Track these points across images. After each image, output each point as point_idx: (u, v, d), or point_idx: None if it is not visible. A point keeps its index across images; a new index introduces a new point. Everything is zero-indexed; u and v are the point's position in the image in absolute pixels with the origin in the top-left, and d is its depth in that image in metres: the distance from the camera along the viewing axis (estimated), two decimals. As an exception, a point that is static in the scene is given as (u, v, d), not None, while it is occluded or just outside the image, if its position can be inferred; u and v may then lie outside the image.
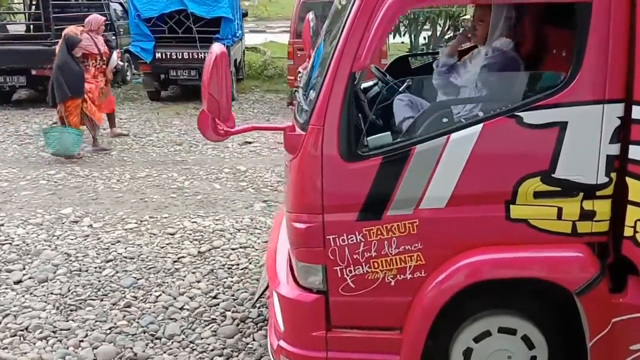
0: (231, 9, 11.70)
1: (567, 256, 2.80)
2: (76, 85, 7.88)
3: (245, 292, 4.52)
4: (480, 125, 2.68)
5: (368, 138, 2.80)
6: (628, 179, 2.66)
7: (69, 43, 7.94)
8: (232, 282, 4.71)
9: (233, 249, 5.31)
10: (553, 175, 2.71)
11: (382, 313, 2.99)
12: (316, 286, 2.98)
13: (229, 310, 4.28)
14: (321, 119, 2.72)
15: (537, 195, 2.75)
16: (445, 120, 2.80)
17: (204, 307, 4.33)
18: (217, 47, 2.60)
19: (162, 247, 5.36)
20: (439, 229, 2.83)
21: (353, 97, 2.75)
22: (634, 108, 2.58)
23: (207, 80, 2.54)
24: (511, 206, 2.78)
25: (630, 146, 2.63)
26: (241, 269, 4.93)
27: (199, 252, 5.25)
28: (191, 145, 9.05)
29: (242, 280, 4.73)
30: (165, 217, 6.07)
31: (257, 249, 5.28)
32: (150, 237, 5.59)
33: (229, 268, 4.96)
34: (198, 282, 4.72)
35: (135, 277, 4.78)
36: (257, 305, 4.28)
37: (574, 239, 2.79)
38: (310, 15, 4.50)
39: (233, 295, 4.49)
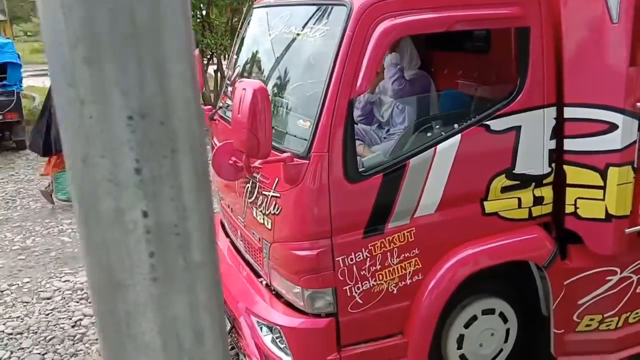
0: (17, 54, 10.69)
1: (532, 237, 3.30)
2: None
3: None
4: (459, 135, 3.04)
5: (363, 159, 2.95)
6: (565, 167, 3.26)
7: None
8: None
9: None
10: (514, 171, 3.19)
11: (386, 321, 3.15)
12: (325, 310, 3.03)
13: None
14: (325, 145, 2.80)
15: (503, 190, 3.20)
16: (429, 134, 3.09)
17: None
18: (251, 82, 2.52)
19: (48, 314, 4.72)
20: (431, 233, 3.11)
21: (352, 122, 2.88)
22: (565, 109, 3.19)
23: (248, 117, 2.45)
24: (485, 202, 3.19)
25: (565, 140, 3.23)
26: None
27: (96, 310, 4.73)
28: (6, 200, 7.92)
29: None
30: (27, 282, 5.31)
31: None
32: (25, 306, 4.86)
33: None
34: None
35: (39, 353, 4.15)
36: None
37: (530, 222, 3.31)
38: (197, 52, 4.44)
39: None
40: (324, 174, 2.83)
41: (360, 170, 2.92)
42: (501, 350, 3.45)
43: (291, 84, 3.20)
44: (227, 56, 14.63)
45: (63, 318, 4.62)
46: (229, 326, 3.58)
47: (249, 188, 3.28)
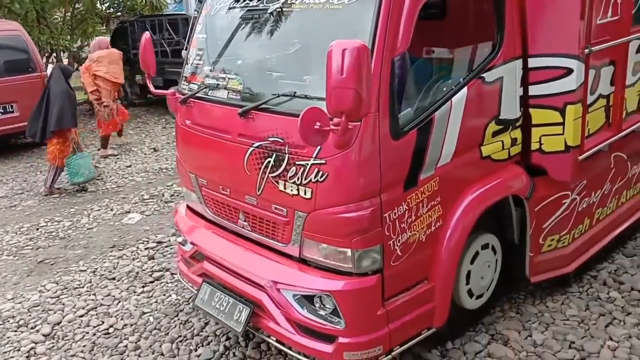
0: None
1: (516, 174, 3.76)
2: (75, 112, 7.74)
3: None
4: (465, 88, 3.35)
5: (400, 115, 3.10)
6: (531, 110, 3.77)
7: (67, 73, 7.80)
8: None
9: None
10: (500, 117, 3.61)
11: (416, 270, 3.37)
12: (371, 267, 3.15)
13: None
14: (375, 106, 2.90)
15: (494, 134, 3.60)
16: (444, 88, 3.33)
17: None
18: (351, 42, 2.50)
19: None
20: (448, 181, 3.39)
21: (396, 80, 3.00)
22: (529, 60, 3.68)
23: (355, 76, 2.44)
24: (482, 147, 3.57)
25: (529, 86, 3.73)
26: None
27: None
28: None
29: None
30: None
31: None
32: None
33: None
34: None
35: None
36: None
37: (509, 161, 3.77)
38: (147, 35, 4.15)
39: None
40: (375, 134, 2.94)
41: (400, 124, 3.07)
42: (492, 279, 3.89)
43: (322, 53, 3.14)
44: (66, 52, 13.46)
45: (10, 351, 4.01)
46: (247, 312, 3.49)
47: (272, 162, 3.22)
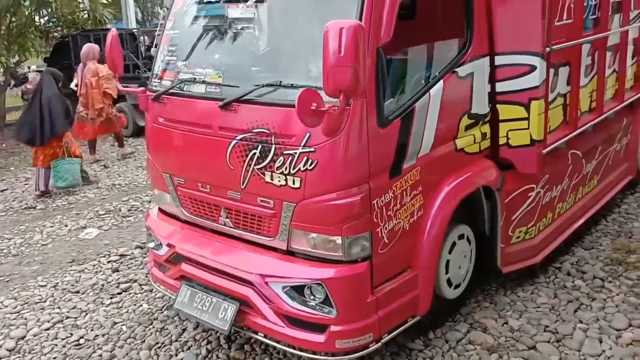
0: None
1: (487, 166, 3.92)
2: (70, 116, 7.89)
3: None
4: (442, 81, 3.49)
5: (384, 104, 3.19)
6: (498, 106, 3.96)
7: (57, 77, 7.90)
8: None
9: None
10: (471, 111, 3.77)
11: (400, 258, 3.45)
12: (361, 255, 3.20)
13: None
14: (364, 92, 2.98)
15: (466, 128, 3.75)
16: (422, 81, 3.45)
17: None
18: (346, 21, 2.55)
19: None
20: (428, 171, 3.49)
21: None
22: (496, 58, 3.88)
23: (352, 54, 2.50)
24: (456, 140, 3.70)
25: (497, 83, 3.92)
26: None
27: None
28: None
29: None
30: None
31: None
32: None
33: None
34: None
35: None
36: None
37: (480, 154, 3.92)
38: (114, 32, 4.10)
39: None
40: (363, 121, 3.01)
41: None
42: (468, 270, 4.01)
43: (311, 42, 3.16)
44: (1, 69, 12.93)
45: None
46: (233, 309, 3.45)
47: (257, 154, 3.23)
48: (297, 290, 3.27)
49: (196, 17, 3.79)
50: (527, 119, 3.93)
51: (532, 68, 3.84)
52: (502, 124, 3.99)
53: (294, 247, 3.30)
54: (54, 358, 3.89)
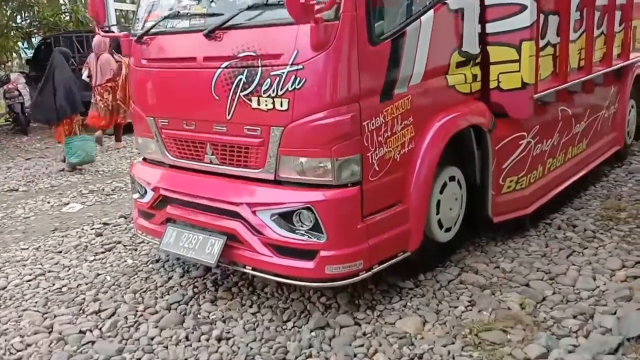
0: None
1: (479, 107, 3.89)
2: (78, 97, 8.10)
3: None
4: (432, 10, 3.46)
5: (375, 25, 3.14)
6: (489, 47, 3.94)
7: (67, 56, 8.24)
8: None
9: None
10: (462, 49, 3.75)
11: (391, 190, 3.38)
12: (351, 179, 3.13)
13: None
14: (353, 5, 2.94)
15: (457, 65, 3.73)
16: (413, 8, 3.41)
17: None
18: None
19: None
20: (419, 102, 3.45)
21: None
22: (486, -4, 3.87)
23: None
24: (447, 76, 3.67)
25: (487, 24, 3.90)
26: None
27: None
28: None
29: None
30: None
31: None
32: None
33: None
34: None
35: None
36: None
37: (471, 96, 3.90)
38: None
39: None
40: (353, 35, 2.97)
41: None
42: (459, 214, 3.95)
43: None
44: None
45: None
46: (220, 243, 3.36)
47: (243, 79, 3.18)
48: (285, 218, 3.20)
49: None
50: (518, 61, 3.91)
51: (523, 7, 3.84)
52: (493, 66, 3.97)
53: (282, 176, 3.24)
54: (36, 302, 3.76)
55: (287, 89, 3.04)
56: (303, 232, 3.16)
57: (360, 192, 3.15)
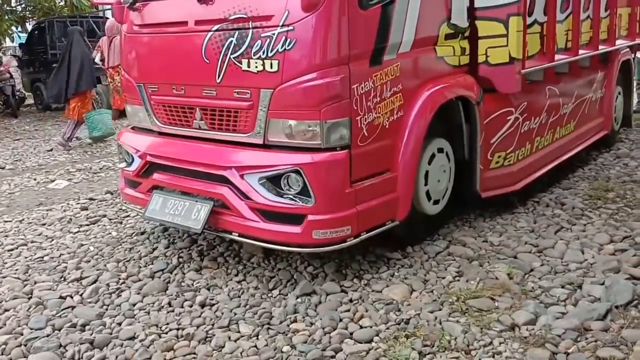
0: None
1: (467, 79, 3.87)
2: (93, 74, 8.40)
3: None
4: (421, -23, 3.45)
5: None
6: (477, 22, 3.93)
7: (83, 36, 8.36)
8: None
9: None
10: (451, 21, 3.73)
11: (379, 157, 3.36)
12: (340, 143, 3.11)
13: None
14: None
15: (446, 37, 3.71)
16: None
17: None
18: None
19: None
20: (408, 70, 3.44)
21: None
22: (474, -30, 3.86)
23: None
24: (436, 47, 3.66)
25: (475, -1, 3.90)
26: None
27: None
28: None
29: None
30: None
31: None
32: None
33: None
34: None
35: None
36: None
37: (459, 69, 3.88)
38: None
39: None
40: None
41: None
42: (447, 187, 3.94)
43: None
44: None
45: None
46: (207, 209, 3.33)
47: (234, 41, 3.15)
48: (273, 182, 3.17)
49: None
50: (506, 35, 3.90)
51: (511, -18, 3.83)
52: (481, 40, 3.95)
53: (271, 140, 3.21)
54: (16, 270, 3.71)
55: (278, 50, 3.02)
56: (291, 196, 3.13)
57: (349, 156, 3.12)
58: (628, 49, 6.41)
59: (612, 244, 3.74)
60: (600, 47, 5.52)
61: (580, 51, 5.08)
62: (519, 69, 4.01)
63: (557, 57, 4.64)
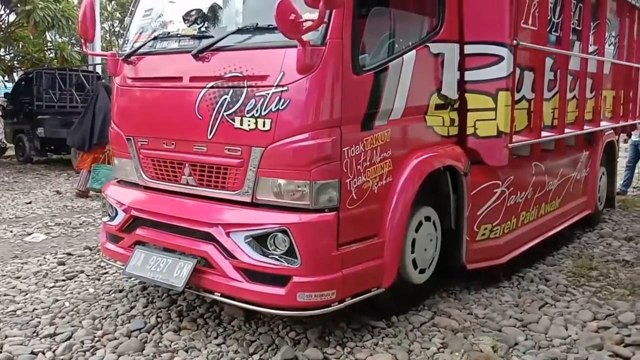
0: None
1: (456, 150, 3.93)
2: None
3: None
4: (415, 50, 3.55)
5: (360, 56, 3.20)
6: (466, 94, 4.04)
7: (109, 91, 7.88)
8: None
9: None
10: (441, 92, 3.83)
11: (367, 222, 3.35)
12: (328, 205, 3.10)
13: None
14: (340, 33, 3.00)
15: (436, 107, 3.80)
16: (397, 46, 3.49)
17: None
18: None
19: None
20: (398, 137, 3.48)
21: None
22: (465, 47, 4.00)
23: None
24: (426, 116, 3.73)
25: (465, 72, 4.02)
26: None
27: None
28: None
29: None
30: None
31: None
32: None
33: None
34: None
35: None
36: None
37: (448, 139, 3.95)
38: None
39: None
40: (338, 61, 3.02)
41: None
42: (433, 256, 3.91)
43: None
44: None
45: None
46: (189, 266, 3.26)
47: (228, 99, 3.18)
48: (260, 241, 3.12)
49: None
50: (495, 109, 4.00)
51: (500, 58, 3.96)
52: (470, 113, 4.05)
53: (260, 199, 3.19)
54: (-14, 322, 3.56)
55: (271, 109, 3.05)
56: (277, 256, 3.08)
57: (337, 218, 3.11)
58: (612, 131, 6.59)
59: (595, 321, 3.71)
60: (585, 127, 5.67)
61: (566, 129, 5.21)
62: (507, 142, 4.08)
63: (543, 133, 4.75)
